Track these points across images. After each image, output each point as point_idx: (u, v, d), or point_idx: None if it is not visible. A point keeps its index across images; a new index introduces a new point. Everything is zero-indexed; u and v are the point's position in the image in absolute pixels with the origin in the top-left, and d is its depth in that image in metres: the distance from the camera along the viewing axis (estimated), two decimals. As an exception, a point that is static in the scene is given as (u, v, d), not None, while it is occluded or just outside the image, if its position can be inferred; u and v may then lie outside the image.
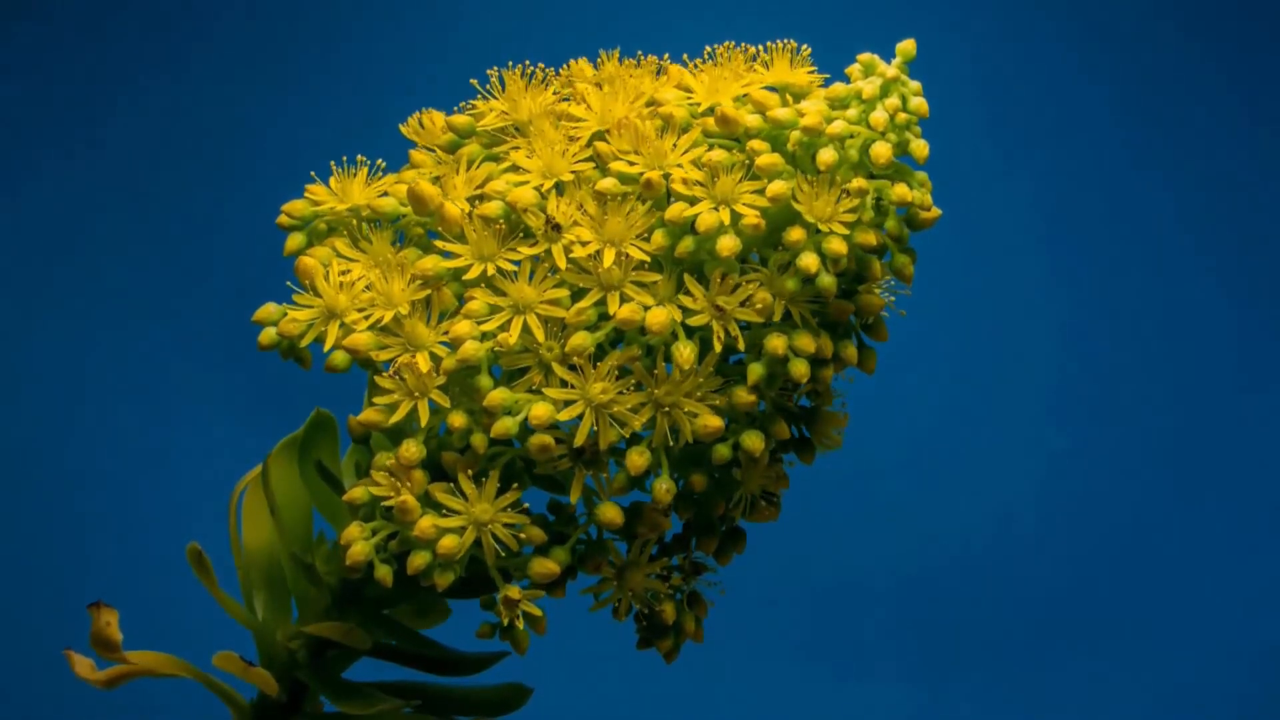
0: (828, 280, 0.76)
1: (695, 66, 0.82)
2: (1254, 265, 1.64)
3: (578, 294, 0.76)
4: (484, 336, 0.76)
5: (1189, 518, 1.60)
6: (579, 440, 0.75)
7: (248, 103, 1.59)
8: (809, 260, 0.75)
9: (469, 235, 0.78)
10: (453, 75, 0.86)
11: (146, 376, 1.55)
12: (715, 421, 0.76)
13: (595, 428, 0.75)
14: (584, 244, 0.76)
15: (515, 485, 0.77)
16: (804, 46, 0.81)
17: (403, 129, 0.85)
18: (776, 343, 0.76)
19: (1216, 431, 1.62)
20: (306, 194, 0.84)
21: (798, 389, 0.80)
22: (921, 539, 1.59)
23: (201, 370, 1.55)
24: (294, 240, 0.83)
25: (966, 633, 1.57)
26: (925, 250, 0.81)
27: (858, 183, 0.76)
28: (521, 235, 0.78)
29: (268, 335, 0.81)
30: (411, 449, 0.77)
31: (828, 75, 0.81)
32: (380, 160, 0.84)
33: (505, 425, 0.75)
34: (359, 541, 0.77)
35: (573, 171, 0.79)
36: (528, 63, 0.84)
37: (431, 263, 0.78)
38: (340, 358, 0.78)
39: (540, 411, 0.75)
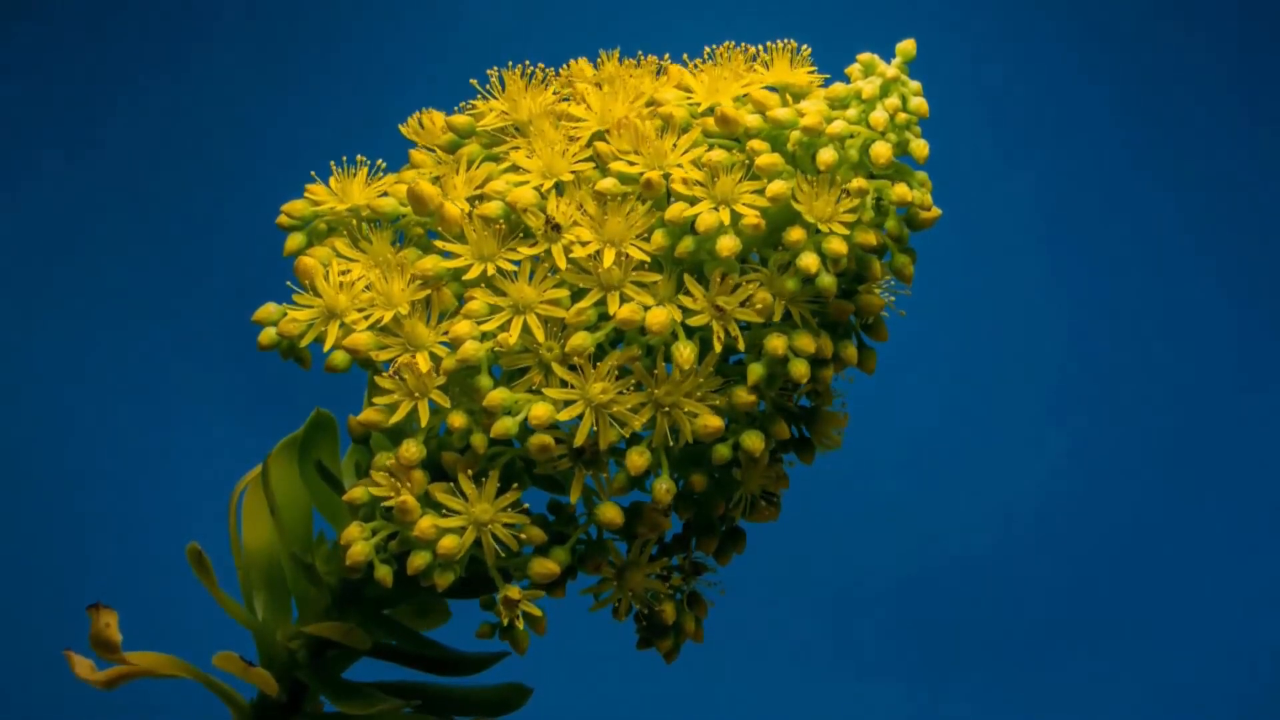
0: (828, 280, 0.76)
1: (695, 66, 0.82)
2: (1254, 265, 1.64)
3: (578, 294, 0.76)
4: (484, 336, 0.76)
5: (1189, 518, 1.60)
6: (579, 440, 0.75)
7: (248, 103, 1.59)
8: (809, 260, 0.75)
9: (469, 235, 0.78)
10: (453, 75, 0.86)
11: (146, 376, 1.55)
12: (715, 421, 0.76)
13: (595, 428, 0.75)
14: (584, 244, 0.76)
15: (515, 485, 0.77)
16: (804, 46, 0.81)
17: (403, 129, 0.85)
18: (776, 343, 0.76)
19: (1216, 432, 1.62)
20: (306, 194, 0.84)
21: (798, 389, 0.80)
22: (921, 539, 1.59)
23: (201, 370, 1.55)
24: (294, 240, 0.83)
25: (966, 633, 1.57)
26: (925, 250, 0.81)
27: (858, 183, 0.76)
28: (521, 235, 0.78)
29: (268, 335, 0.81)
30: (411, 449, 0.77)
31: (828, 75, 0.81)
32: (380, 160, 0.84)
33: (505, 425, 0.75)
34: (359, 542, 0.77)
35: (573, 171, 0.79)
36: (528, 63, 0.84)
37: (431, 263, 0.78)
38: (340, 358, 0.78)
39: (540, 411, 0.75)
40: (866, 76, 0.78)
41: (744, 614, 1.34)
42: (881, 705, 1.55)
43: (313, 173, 0.84)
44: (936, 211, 0.79)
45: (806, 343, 0.76)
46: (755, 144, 0.77)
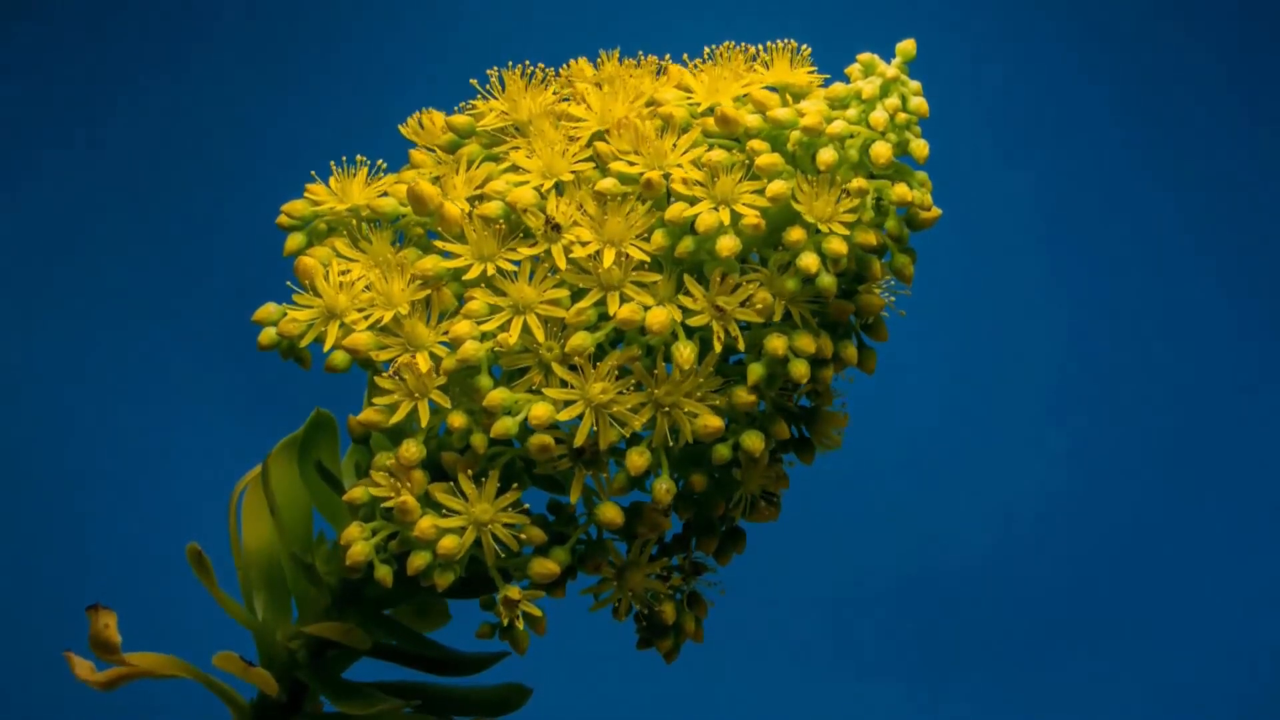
0: (828, 280, 0.76)
1: (695, 66, 0.82)
2: (1254, 265, 1.64)
3: (578, 294, 0.76)
4: (484, 336, 0.76)
5: (1189, 518, 1.60)
6: (579, 440, 0.75)
7: (248, 103, 1.59)
8: (809, 260, 0.75)
9: (469, 235, 0.78)
10: (453, 75, 0.86)
11: (147, 376, 1.55)
12: (715, 421, 0.76)
13: (595, 428, 0.75)
14: (584, 244, 0.76)
15: (515, 485, 0.77)
16: (804, 46, 0.81)
17: (402, 129, 0.85)
18: (777, 343, 0.76)
19: (1217, 431, 1.62)
20: (306, 194, 0.84)
21: (798, 389, 0.80)
22: (921, 539, 1.59)
23: (202, 370, 1.55)
24: (294, 240, 0.83)
25: (966, 633, 1.57)
26: (925, 250, 0.81)
27: (858, 183, 0.76)
28: (521, 235, 0.78)
29: (268, 335, 0.81)
30: (411, 449, 0.77)
31: (828, 75, 0.81)
32: (380, 160, 0.84)
33: (505, 425, 0.75)
34: (359, 542, 0.77)
35: (573, 171, 0.79)
36: (528, 63, 0.84)
37: (431, 263, 0.78)
38: (340, 358, 0.78)
39: (540, 411, 0.75)
40: (866, 76, 0.78)
41: (744, 614, 1.34)
42: (881, 705, 1.55)
43: (313, 173, 0.84)
44: (937, 211, 0.79)
45: (807, 343, 0.76)
46: (755, 144, 0.77)
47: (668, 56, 0.83)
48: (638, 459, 0.76)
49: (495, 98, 0.84)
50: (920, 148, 0.77)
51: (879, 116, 0.77)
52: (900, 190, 0.77)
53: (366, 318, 0.78)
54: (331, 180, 0.84)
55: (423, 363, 0.76)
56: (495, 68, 0.84)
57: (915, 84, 0.78)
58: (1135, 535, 1.59)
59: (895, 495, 1.59)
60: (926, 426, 1.60)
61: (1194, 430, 1.61)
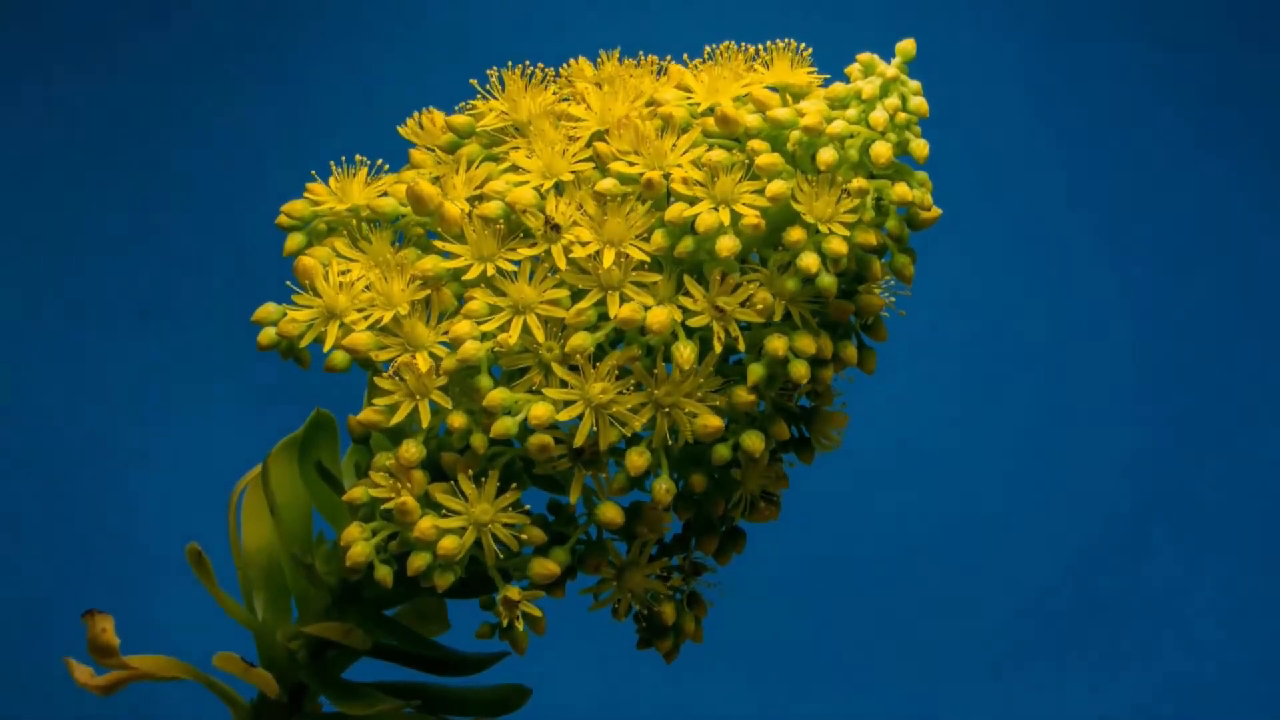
0: (828, 280, 0.76)
1: (695, 66, 0.82)
2: (1254, 264, 1.64)
3: (578, 294, 0.76)
4: (484, 336, 0.76)
5: (1188, 517, 1.60)
6: (579, 440, 0.75)
7: (248, 102, 1.59)
8: (809, 260, 0.75)
9: (469, 235, 0.78)
10: (453, 75, 0.86)
11: (147, 377, 1.55)
12: (715, 421, 0.76)
13: (595, 428, 0.75)
14: (584, 244, 0.76)
15: (515, 485, 0.77)
16: (804, 47, 0.81)
17: (402, 130, 0.85)
18: (777, 344, 0.76)
19: (1216, 431, 1.62)
20: (306, 194, 0.84)
21: (798, 389, 0.80)
22: (922, 539, 1.59)
23: (202, 371, 1.55)
24: (294, 240, 0.83)
25: (965, 633, 1.57)
26: (925, 250, 0.81)
27: (858, 183, 0.76)
28: (521, 235, 0.78)
29: (267, 335, 0.81)
30: (411, 449, 0.77)
31: (828, 75, 0.81)
32: (380, 160, 0.84)
33: (505, 425, 0.75)
34: (359, 542, 0.77)
35: (572, 172, 0.79)
36: (528, 63, 0.84)
37: (431, 263, 0.78)
38: (340, 358, 0.78)
39: (540, 411, 0.75)
40: (866, 76, 0.78)
41: (744, 614, 1.34)
42: (881, 705, 1.55)
43: (313, 172, 0.84)
44: (937, 211, 0.79)
45: (807, 343, 0.76)
46: (755, 144, 0.77)
47: (668, 57, 0.83)
48: (637, 459, 0.76)
49: (495, 98, 0.84)
50: (920, 147, 0.77)
51: (879, 116, 0.77)
52: (900, 190, 0.77)
53: (366, 318, 0.78)
54: (331, 180, 0.84)
55: (422, 363, 0.76)
56: (495, 68, 0.84)
57: (915, 84, 0.78)
58: (1135, 535, 1.59)
59: (895, 495, 1.59)
60: (927, 426, 1.60)
61: (1194, 430, 1.61)
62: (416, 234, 0.82)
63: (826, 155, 0.76)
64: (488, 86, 0.84)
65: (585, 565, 0.80)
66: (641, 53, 0.83)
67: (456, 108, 0.84)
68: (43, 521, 1.53)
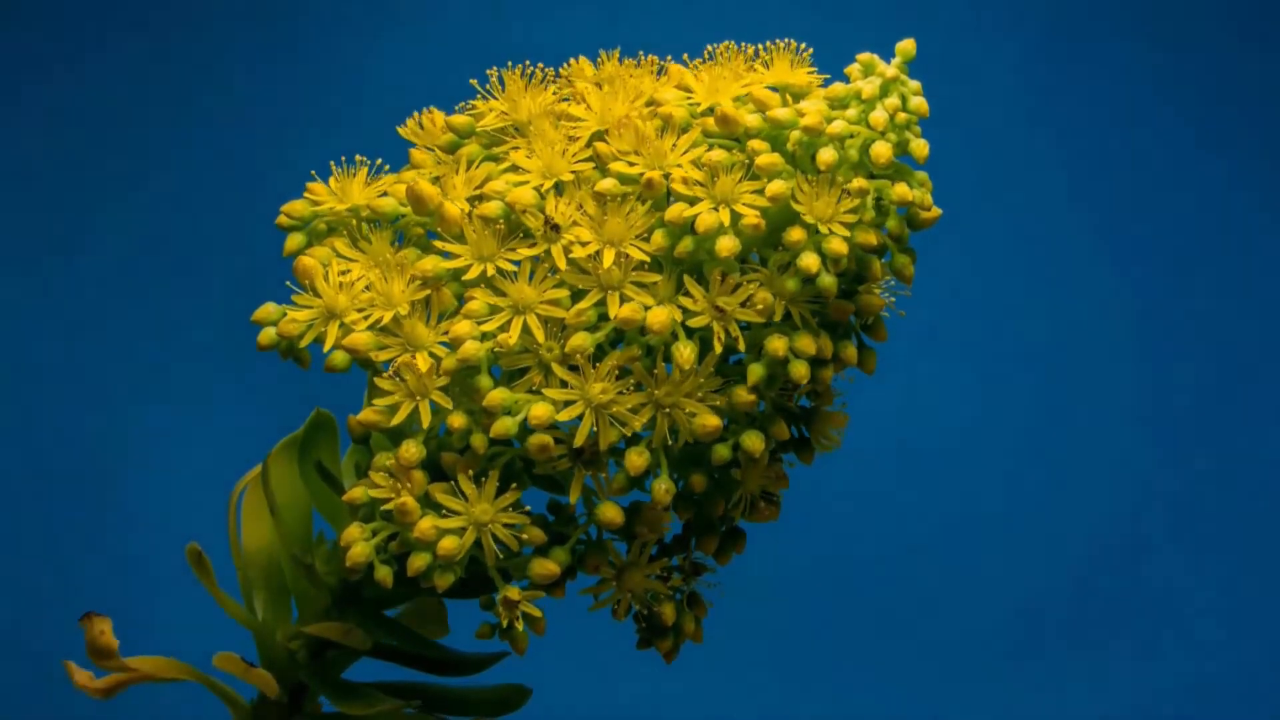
0: (828, 280, 0.76)
1: (695, 66, 0.82)
2: (1253, 263, 1.64)
3: (577, 294, 0.76)
4: (484, 336, 0.76)
5: (1188, 517, 1.60)
6: (579, 440, 0.75)
7: (248, 102, 1.59)
8: (809, 260, 0.75)
9: (468, 235, 0.78)
10: (453, 76, 0.86)
11: (146, 376, 1.55)
12: (714, 421, 0.76)
13: (595, 428, 0.75)
14: (584, 244, 0.76)
15: (515, 485, 0.77)
16: (804, 46, 0.81)
17: (402, 130, 0.85)
18: (777, 344, 0.76)
19: (1216, 431, 1.62)
20: (306, 194, 0.84)
21: (798, 389, 0.80)
22: (922, 539, 1.59)
23: (201, 370, 1.55)
24: (294, 240, 0.83)
25: (965, 633, 1.57)
26: (925, 250, 0.81)
27: (858, 183, 0.76)
28: (521, 236, 0.77)
29: (267, 335, 0.81)
30: (411, 450, 0.77)
31: (828, 75, 0.81)
32: (380, 160, 0.84)
33: (505, 425, 0.75)
34: (359, 543, 0.77)
35: (572, 172, 0.79)
36: (528, 63, 0.84)
37: (431, 263, 0.78)
38: (340, 358, 0.78)
39: (540, 412, 0.75)
40: (866, 76, 0.78)
41: (744, 614, 1.34)
42: (881, 705, 1.55)
43: (313, 172, 0.84)
44: (937, 211, 0.79)
45: (807, 344, 0.76)
46: (755, 144, 0.77)
47: (668, 57, 0.83)
48: (637, 459, 0.76)
49: (495, 98, 0.83)
50: (920, 147, 0.77)
51: (879, 116, 0.77)
52: (900, 190, 0.77)
53: (366, 318, 0.78)
54: (331, 180, 0.84)
55: (422, 363, 0.76)
56: (495, 68, 0.84)
57: (915, 84, 0.78)
58: (1135, 535, 1.59)
59: (895, 495, 1.59)
60: (927, 426, 1.60)
61: (1194, 429, 1.61)
62: (416, 234, 0.82)
63: (826, 155, 0.76)
64: (488, 86, 0.84)
65: (585, 565, 0.80)
66: (641, 53, 0.83)
67: (456, 108, 0.84)
68: (43, 522, 1.53)
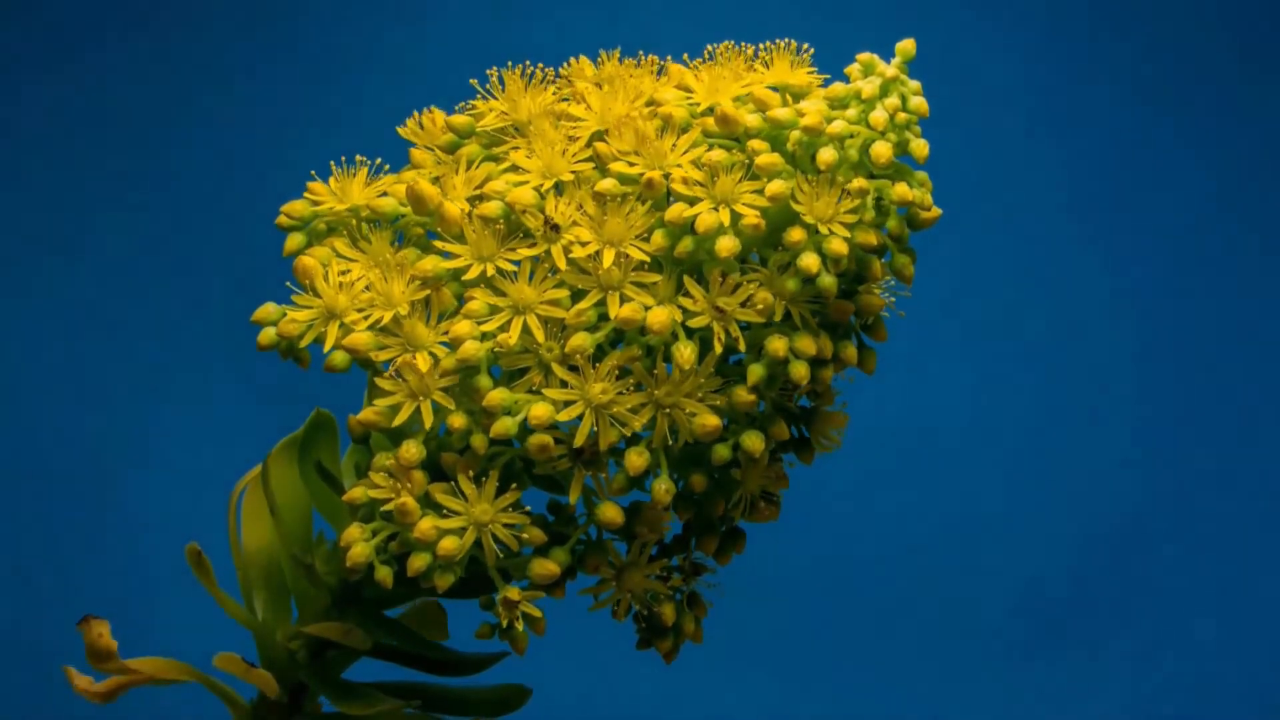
0: (828, 280, 0.76)
1: (695, 66, 0.82)
2: (1252, 263, 1.64)
3: (577, 294, 0.76)
4: (484, 336, 0.76)
5: (1189, 516, 1.60)
6: (579, 440, 0.75)
7: (248, 102, 1.59)
8: (810, 260, 0.75)
9: (468, 235, 0.78)
10: (453, 76, 0.86)
11: (147, 377, 1.55)
12: (714, 421, 0.76)
13: (595, 428, 0.75)
14: (584, 244, 0.76)
15: (515, 485, 0.77)
16: (804, 46, 0.81)
17: (402, 130, 0.85)
18: (777, 344, 0.76)
19: (1216, 431, 1.62)
20: (306, 194, 0.84)
21: (798, 389, 0.80)
22: (922, 539, 1.59)
23: (201, 370, 1.55)
24: (294, 240, 0.83)
25: (965, 632, 1.57)
26: (925, 250, 0.81)
27: (858, 183, 0.76)
28: (521, 235, 0.77)
29: (267, 335, 0.81)
30: (411, 450, 0.77)
31: (828, 75, 0.81)
32: (380, 160, 0.84)
33: (505, 425, 0.75)
34: (359, 543, 0.77)
35: (572, 172, 0.79)
36: (528, 63, 0.84)
37: (431, 263, 0.78)
38: (340, 358, 0.78)
39: (540, 412, 0.75)
40: (866, 76, 0.78)
41: (744, 614, 1.34)
42: (881, 705, 1.55)
43: (313, 172, 0.84)
44: (937, 211, 0.79)
45: (807, 344, 0.76)
46: (755, 144, 0.77)
47: (668, 57, 0.83)
48: (637, 459, 0.76)
49: (495, 98, 0.83)
50: (920, 147, 0.77)
51: (879, 116, 0.77)
52: (900, 190, 0.77)
53: (366, 318, 0.78)
54: (331, 180, 0.84)
55: (422, 363, 0.76)
56: (495, 68, 0.84)
57: (915, 84, 0.78)
58: (1135, 535, 1.59)
59: (895, 496, 1.59)
60: (928, 426, 1.60)
61: (1193, 429, 1.61)
62: (416, 234, 0.82)
63: (826, 155, 0.76)
64: (488, 86, 0.84)
65: (585, 565, 0.80)
66: (641, 53, 0.83)
67: (456, 108, 0.84)
68: (43, 522, 1.53)
